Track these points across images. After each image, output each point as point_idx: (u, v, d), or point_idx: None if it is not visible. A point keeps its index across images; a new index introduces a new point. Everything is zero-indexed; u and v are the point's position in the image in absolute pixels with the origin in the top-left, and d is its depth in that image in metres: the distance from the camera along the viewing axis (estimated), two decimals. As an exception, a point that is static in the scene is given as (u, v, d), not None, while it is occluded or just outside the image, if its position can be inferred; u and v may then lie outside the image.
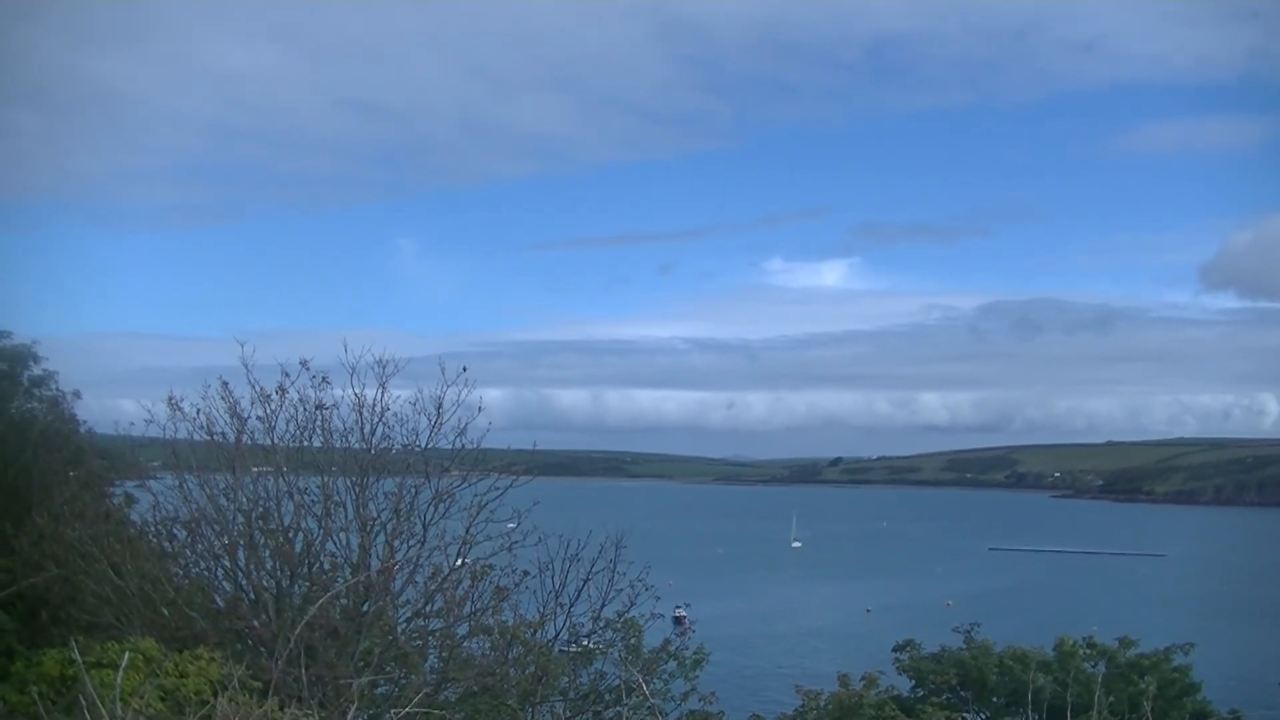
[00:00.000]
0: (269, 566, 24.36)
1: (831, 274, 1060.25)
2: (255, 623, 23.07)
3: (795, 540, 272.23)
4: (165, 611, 23.09)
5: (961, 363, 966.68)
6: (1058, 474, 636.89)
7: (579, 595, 28.22)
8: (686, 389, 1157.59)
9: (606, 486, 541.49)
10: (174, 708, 14.83)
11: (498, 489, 25.99)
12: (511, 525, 27.07)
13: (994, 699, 38.33)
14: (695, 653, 31.66)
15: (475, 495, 25.78)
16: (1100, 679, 39.92)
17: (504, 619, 26.88)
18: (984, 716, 39.28)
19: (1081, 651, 41.13)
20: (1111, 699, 38.41)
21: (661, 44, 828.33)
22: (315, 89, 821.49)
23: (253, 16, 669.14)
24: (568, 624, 28.53)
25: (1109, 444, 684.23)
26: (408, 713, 16.02)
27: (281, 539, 24.19)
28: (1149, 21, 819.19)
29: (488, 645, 26.62)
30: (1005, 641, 42.27)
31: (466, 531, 25.56)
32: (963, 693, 39.59)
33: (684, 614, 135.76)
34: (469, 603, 26.13)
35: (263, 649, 22.23)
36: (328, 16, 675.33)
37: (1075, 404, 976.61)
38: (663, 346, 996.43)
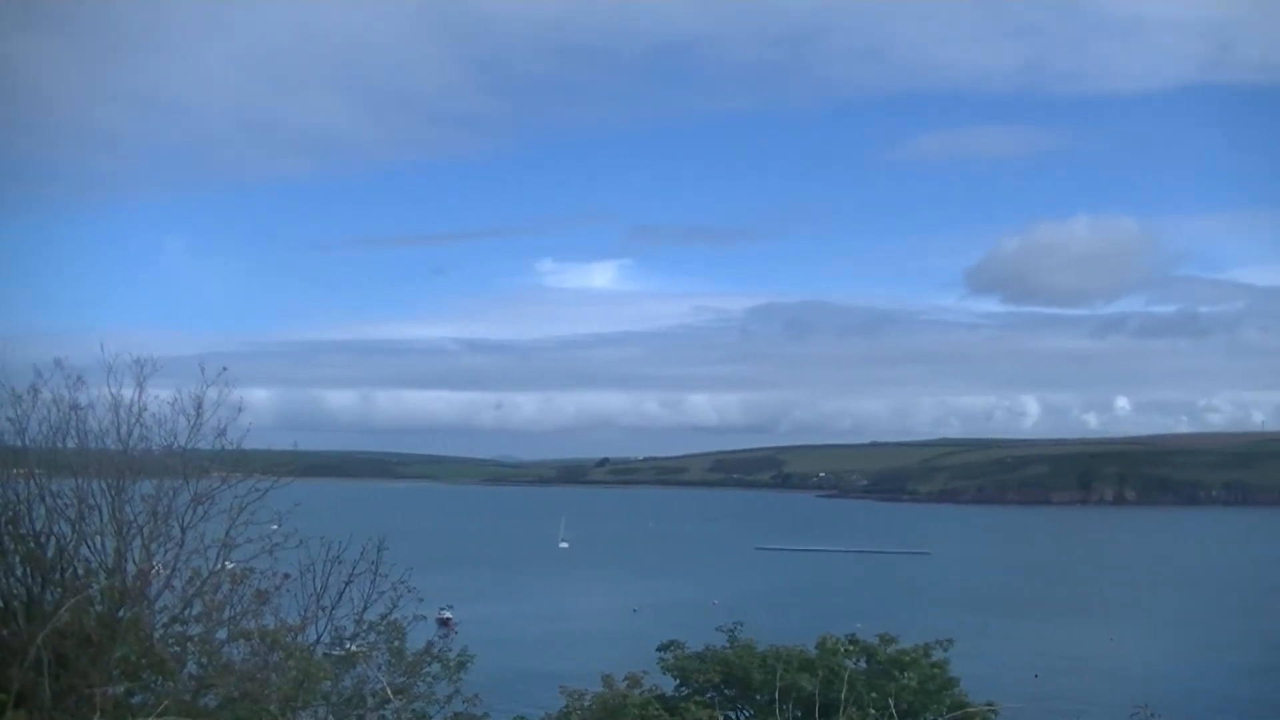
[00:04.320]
0: (19, 573, 23.58)
1: (603, 275, 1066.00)
2: (4, 632, 22.31)
3: (563, 541, 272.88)
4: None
5: (731, 364, 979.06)
6: (823, 474, 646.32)
7: (341, 598, 27.80)
8: (456, 389, 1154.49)
9: (373, 488, 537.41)
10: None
11: (258, 490, 25.54)
12: (275, 527, 26.62)
13: (757, 697, 38.69)
14: (459, 654, 31.37)
15: (235, 497, 25.30)
16: (862, 675, 40.70)
17: (265, 623, 26.37)
18: (747, 714, 39.63)
19: (843, 649, 41.72)
20: (873, 695, 39.05)
21: (446, 44, 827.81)
22: (92, 80, 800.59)
23: (27, 6, 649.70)
24: (329, 627, 28.07)
25: (873, 444, 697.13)
26: (161, 721, 15.59)
27: (32, 544, 23.43)
28: (929, 32, 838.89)
29: (248, 650, 26.10)
30: (770, 640, 42.68)
31: (226, 534, 25.07)
32: (727, 691, 39.87)
33: (449, 616, 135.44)
34: (228, 607, 25.58)
35: (12, 659, 21.51)
36: (108, 7, 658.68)
37: (843, 405, 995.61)
38: (434, 347, 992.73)
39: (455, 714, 30.26)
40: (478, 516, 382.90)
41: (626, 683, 34.52)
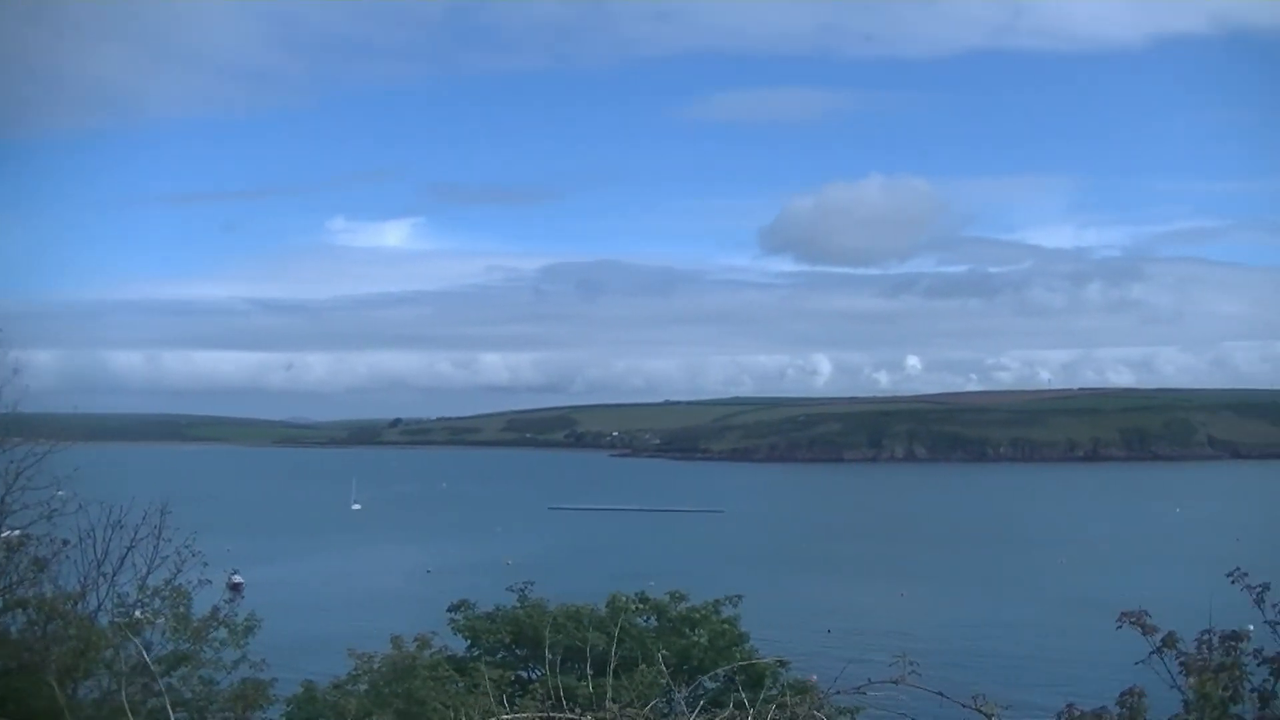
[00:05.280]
0: None
1: (396, 234, 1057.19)
2: None
3: (355, 503, 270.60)
4: None
5: (524, 324, 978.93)
6: (616, 433, 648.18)
7: (123, 564, 27.24)
8: (247, 350, 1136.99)
9: (162, 451, 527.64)
10: None
11: (36, 455, 24.89)
12: (61, 493, 26.01)
13: (548, 656, 38.68)
14: (246, 619, 30.93)
15: (11, 462, 24.64)
16: (652, 633, 40.96)
17: (42, 591, 25.74)
18: (538, 674, 39.67)
19: (633, 607, 41.94)
20: (663, 652, 39.30)
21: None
22: None
23: None
24: (111, 594, 27.49)
25: (666, 403, 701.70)
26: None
27: None
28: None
29: (24, 620, 25.48)
30: (562, 599, 42.73)
31: (1, 501, 24.43)
32: (518, 651, 39.87)
33: (239, 580, 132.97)
34: (4, 576, 24.97)
35: None
36: None
37: (635, 364, 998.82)
38: (224, 307, 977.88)
39: (242, 679, 29.85)
40: (269, 479, 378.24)
41: (416, 644, 34.25)
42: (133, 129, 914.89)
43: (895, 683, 10.05)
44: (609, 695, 9.76)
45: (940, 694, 10.42)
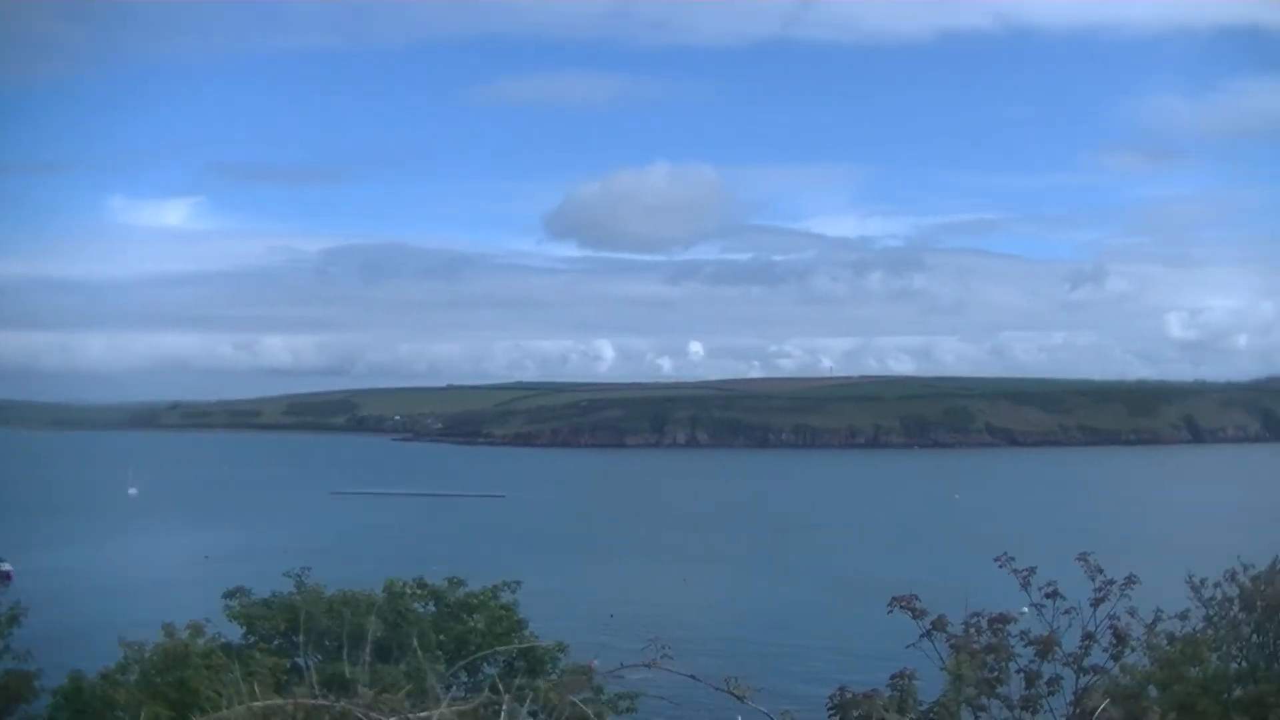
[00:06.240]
0: None
1: (177, 213, 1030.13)
2: None
3: (132, 488, 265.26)
4: None
5: (307, 306, 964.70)
6: (399, 417, 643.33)
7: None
8: (20, 329, 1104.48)
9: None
10: None
11: None
12: None
13: (325, 643, 38.40)
14: (11, 609, 30.16)
15: None
16: (430, 619, 40.82)
17: None
18: (316, 660, 39.25)
19: (411, 592, 41.78)
20: (441, 637, 39.21)
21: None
22: None
23: None
24: None
25: (449, 387, 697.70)
26: None
27: None
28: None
29: None
30: (340, 585, 42.41)
31: None
32: (295, 638, 39.47)
33: (8, 568, 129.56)
34: None
35: None
36: None
37: (419, 348, 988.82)
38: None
39: (5, 671, 29.10)
40: (43, 463, 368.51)
41: (189, 632, 33.70)
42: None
43: (648, 666, 10.19)
44: (363, 682, 9.70)
45: (692, 676, 10.61)
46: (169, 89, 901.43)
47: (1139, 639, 19.27)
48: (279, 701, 9.59)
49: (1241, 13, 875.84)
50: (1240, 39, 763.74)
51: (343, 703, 9.22)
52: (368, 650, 10.87)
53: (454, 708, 9.41)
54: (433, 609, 42.16)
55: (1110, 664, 17.37)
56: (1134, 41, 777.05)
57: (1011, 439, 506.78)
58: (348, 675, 10.42)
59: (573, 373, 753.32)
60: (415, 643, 32.36)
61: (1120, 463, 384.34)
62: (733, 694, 10.54)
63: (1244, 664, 27.63)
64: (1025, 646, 16.85)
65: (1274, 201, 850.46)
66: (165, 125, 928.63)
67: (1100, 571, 18.48)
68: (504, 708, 9.69)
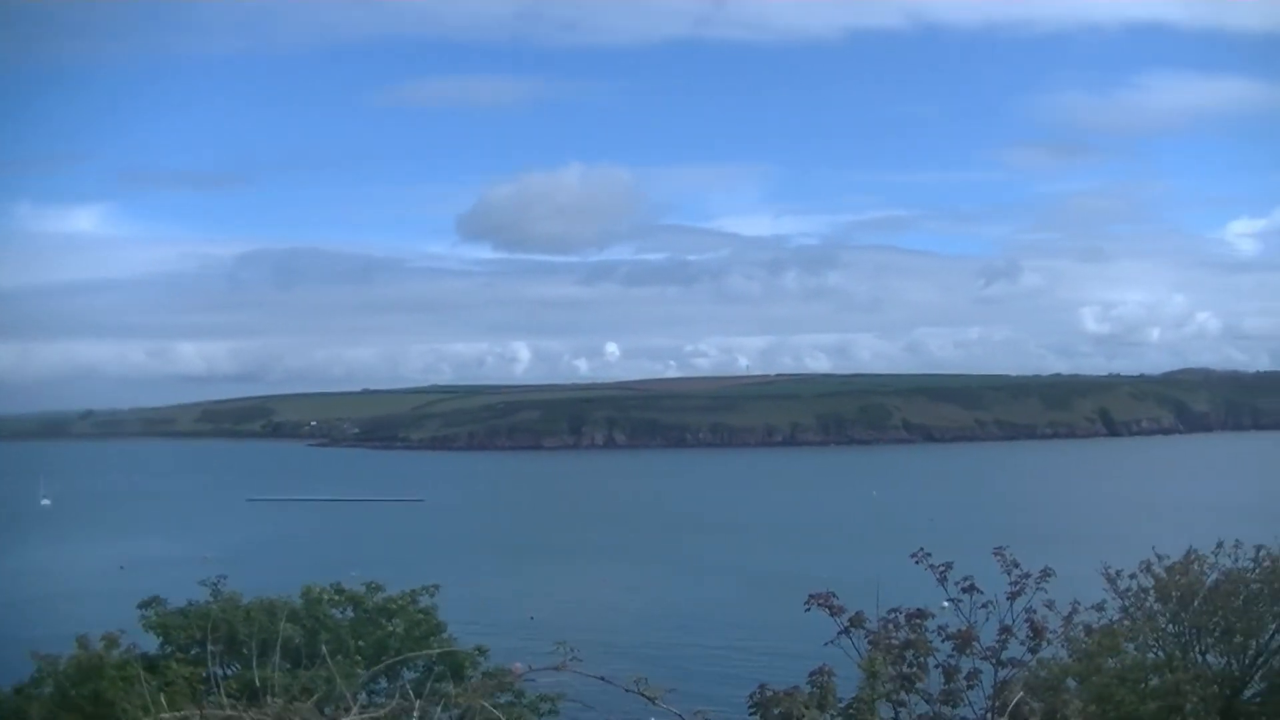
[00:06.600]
0: None
1: (87, 220, 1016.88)
2: None
3: (44, 498, 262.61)
4: None
5: (220, 312, 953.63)
6: (314, 423, 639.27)
7: None
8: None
9: None
10: None
11: None
12: None
13: (244, 651, 38.09)
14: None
15: None
16: (347, 624, 40.58)
17: None
18: (234, 668, 38.93)
19: (328, 598, 41.55)
20: (360, 642, 38.99)
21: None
22: None
23: None
24: None
25: (365, 392, 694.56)
26: None
27: None
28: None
29: None
30: (260, 592, 42.11)
31: None
32: (211, 647, 39.11)
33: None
34: None
35: None
36: None
37: (334, 353, 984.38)
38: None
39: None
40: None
41: (103, 643, 33.34)
42: None
43: (556, 669, 10.14)
44: (276, 689, 9.59)
45: (601, 678, 10.56)
46: (77, 94, 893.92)
47: (1056, 631, 19.41)
48: (184, 714, 9.42)
49: (1148, 9, 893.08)
50: (1146, 35, 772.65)
51: (251, 712, 9.09)
52: (277, 657, 10.70)
53: (365, 715, 9.31)
54: (351, 614, 41.97)
55: (1028, 657, 17.47)
56: (1043, 38, 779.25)
57: (928, 435, 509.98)
58: (256, 683, 10.30)
59: (489, 375, 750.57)
60: (324, 650, 32.18)
61: (1036, 457, 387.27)
62: (643, 695, 10.47)
63: (1160, 654, 27.96)
64: (943, 641, 16.91)
65: (1181, 196, 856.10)
66: (74, 130, 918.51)
67: (1016, 565, 18.60)
68: (416, 714, 9.59)
